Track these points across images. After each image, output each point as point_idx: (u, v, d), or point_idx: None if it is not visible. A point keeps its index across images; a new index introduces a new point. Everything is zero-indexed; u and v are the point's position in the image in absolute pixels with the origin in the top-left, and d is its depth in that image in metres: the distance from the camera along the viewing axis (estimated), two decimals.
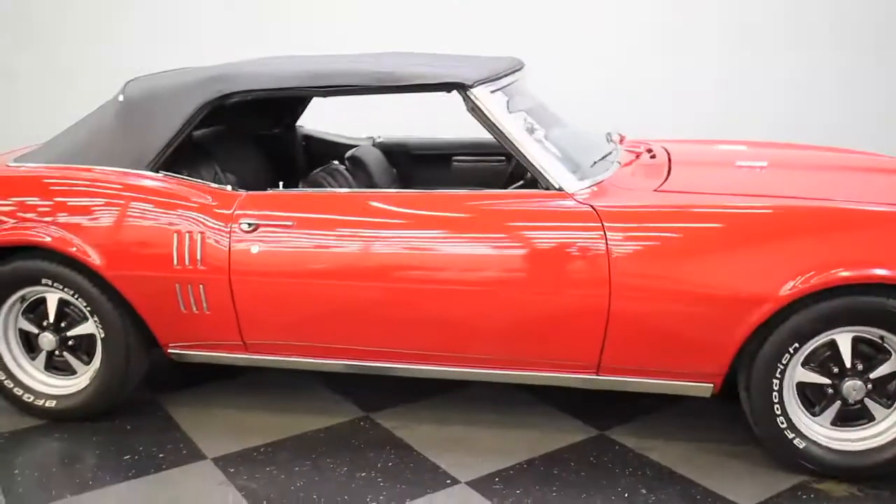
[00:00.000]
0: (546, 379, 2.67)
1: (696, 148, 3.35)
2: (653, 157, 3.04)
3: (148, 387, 3.15)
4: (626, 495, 2.45)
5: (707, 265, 2.43)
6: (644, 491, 2.47)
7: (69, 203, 2.76)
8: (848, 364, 2.46)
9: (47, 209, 2.76)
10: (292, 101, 3.81)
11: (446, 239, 2.56)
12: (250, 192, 2.71)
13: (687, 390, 2.60)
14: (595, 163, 2.75)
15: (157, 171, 2.76)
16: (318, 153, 3.77)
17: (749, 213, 2.46)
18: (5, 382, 2.92)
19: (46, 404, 2.91)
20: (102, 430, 2.88)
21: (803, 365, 2.49)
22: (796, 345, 2.43)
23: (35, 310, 2.89)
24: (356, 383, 3.13)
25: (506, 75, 2.80)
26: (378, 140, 3.78)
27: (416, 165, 3.75)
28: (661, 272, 2.45)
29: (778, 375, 2.46)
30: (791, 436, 2.51)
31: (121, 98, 2.86)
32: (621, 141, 3.44)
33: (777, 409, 2.49)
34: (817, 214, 2.44)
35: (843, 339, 2.44)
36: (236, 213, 2.67)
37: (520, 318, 2.56)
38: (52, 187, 2.80)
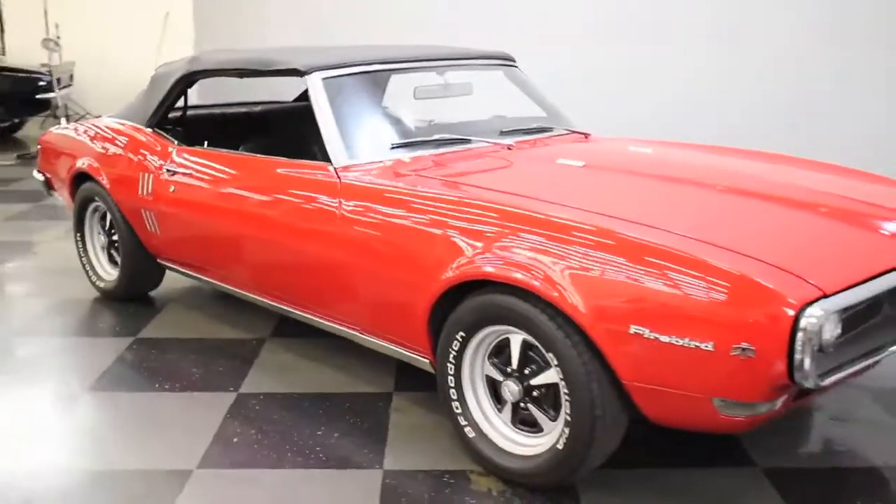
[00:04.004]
0: (335, 329, 3.06)
1: (586, 146, 3.31)
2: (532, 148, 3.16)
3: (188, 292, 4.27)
4: (319, 434, 2.78)
5: (399, 245, 2.63)
6: (336, 435, 2.77)
7: (101, 144, 3.97)
8: (514, 365, 2.44)
9: (95, 147, 4.01)
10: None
11: (253, 194, 3.13)
12: (181, 146, 3.59)
13: (411, 360, 2.79)
14: (399, 146, 3.02)
15: (150, 128, 3.80)
16: None
17: (441, 202, 2.58)
18: (85, 265, 4.27)
19: (99, 284, 4.19)
20: (114, 307, 4.06)
21: (490, 357, 2.52)
22: (462, 334, 2.49)
23: (104, 219, 4.18)
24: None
25: (359, 65, 3.20)
26: (433, 122, 4.30)
27: None
28: (367, 245, 2.71)
29: (452, 361, 2.54)
30: (464, 423, 2.56)
31: (153, 74, 3.96)
32: (586, 137, 3.53)
33: (453, 394, 2.57)
34: (489, 209, 2.46)
35: (515, 340, 2.44)
36: (169, 160, 3.57)
37: (294, 268, 3.03)
38: (99, 133, 4.04)
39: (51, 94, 9.29)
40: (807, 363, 1.93)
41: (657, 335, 2.06)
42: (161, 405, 3.03)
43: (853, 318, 2.24)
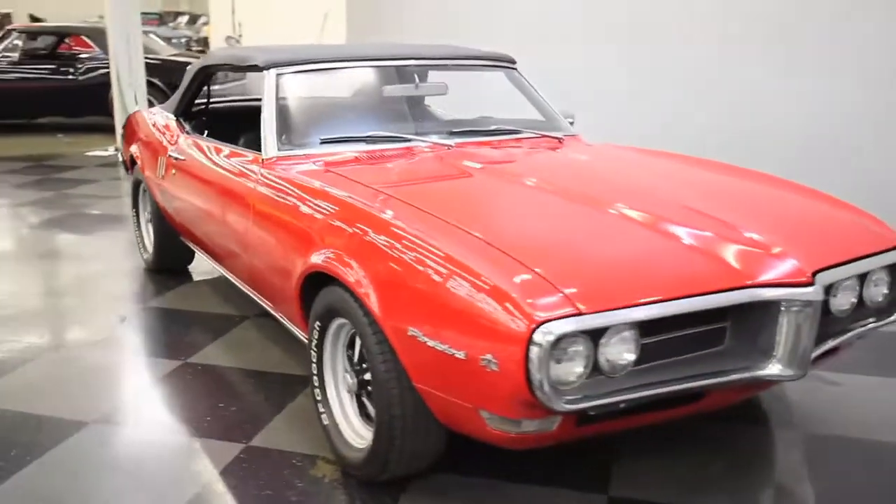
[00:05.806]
0: (270, 312, 3.24)
1: (515, 151, 3.26)
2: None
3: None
4: (220, 406, 2.95)
5: (280, 234, 2.77)
6: (233, 409, 2.93)
7: (144, 130, 4.41)
8: (356, 358, 2.49)
9: (141, 132, 4.46)
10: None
11: (213, 179, 3.38)
12: (187, 135, 3.91)
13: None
14: (328, 142, 3.12)
15: (176, 117, 4.17)
16: None
17: (315, 193, 2.67)
18: (137, 239, 4.76)
19: (144, 255, 4.66)
20: (149, 277, 4.51)
21: (348, 349, 2.58)
22: (319, 324, 2.57)
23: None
24: None
25: (316, 62, 3.33)
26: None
27: None
28: (264, 229, 2.87)
29: (314, 349, 2.63)
30: (321, 410, 2.64)
31: (188, 68, 4.33)
32: (560, 142, 3.47)
33: (315, 380, 2.66)
34: (342, 204, 2.52)
35: None
36: (177, 146, 3.91)
37: (237, 251, 3.23)
38: (140, 119, 4.49)
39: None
40: (545, 383, 1.83)
41: (426, 339, 2.04)
42: (106, 365, 3.36)
43: (675, 343, 2.09)
